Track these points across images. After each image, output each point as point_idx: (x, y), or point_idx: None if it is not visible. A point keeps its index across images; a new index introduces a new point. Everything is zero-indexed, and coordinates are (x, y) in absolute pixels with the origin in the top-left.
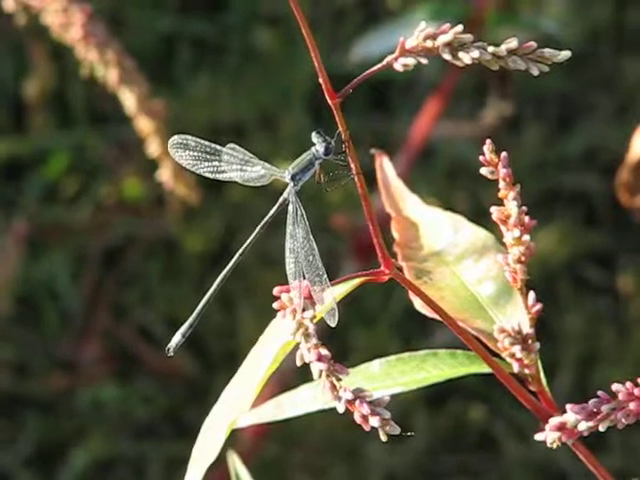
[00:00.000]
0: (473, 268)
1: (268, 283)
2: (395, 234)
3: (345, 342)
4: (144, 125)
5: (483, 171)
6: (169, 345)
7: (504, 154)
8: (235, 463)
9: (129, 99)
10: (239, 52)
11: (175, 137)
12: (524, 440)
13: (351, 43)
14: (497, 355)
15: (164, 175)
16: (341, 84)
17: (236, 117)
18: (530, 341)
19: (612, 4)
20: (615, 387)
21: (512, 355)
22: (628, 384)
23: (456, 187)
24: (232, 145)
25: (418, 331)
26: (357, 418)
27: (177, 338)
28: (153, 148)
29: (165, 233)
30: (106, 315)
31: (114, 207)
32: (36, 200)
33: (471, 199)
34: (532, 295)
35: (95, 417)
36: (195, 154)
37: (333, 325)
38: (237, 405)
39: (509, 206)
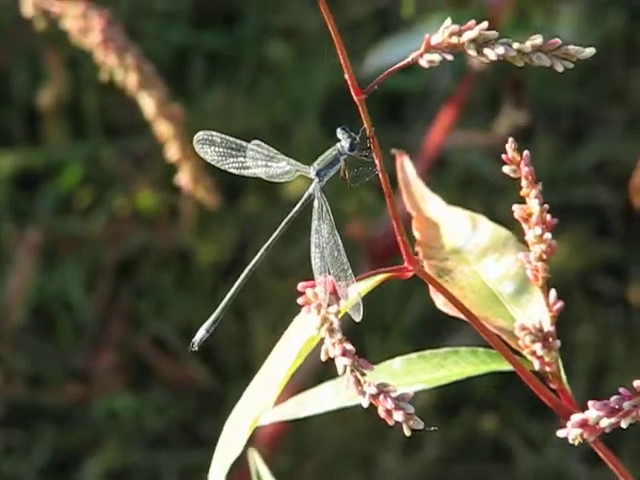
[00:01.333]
0: (494, 267)
1: (281, 294)
2: (416, 233)
3: (358, 350)
4: (163, 129)
5: (505, 169)
6: (193, 340)
7: (526, 152)
8: (256, 461)
9: (148, 104)
10: (253, 65)
11: (200, 133)
12: (536, 450)
13: (366, 54)
14: (518, 353)
15: (183, 179)
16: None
17: (250, 129)
18: (551, 339)
19: (625, 15)
20: (636, 384)
21: (533, 353)
22: None
23: (470, 198)
24: (257, 141)
25: (431, 340)
26: (381, 413)
27: (201, 333)
28: (172, 152)
29: (179, 244)
30: (120, 325)
31: (128, 218)
32: (50, 211)
33: (485, 210)
34: (553, 293)
35: (109, 427)
36: (220, 150)
37: (358, 320)
38: (260, 402)
39: (531, 204)
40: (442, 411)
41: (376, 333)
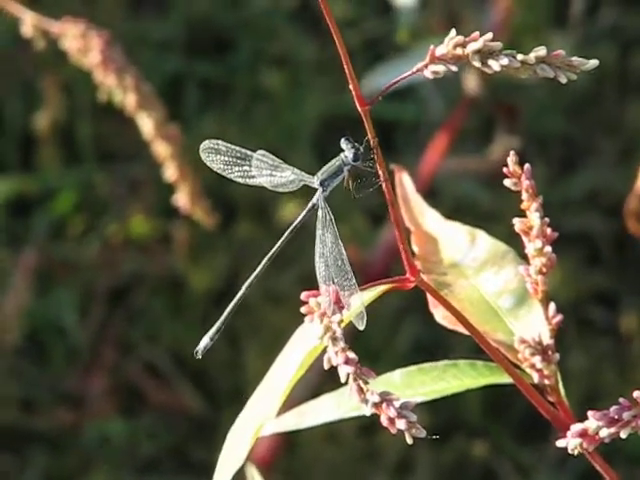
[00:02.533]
0: (493, 280)
1: (274, 320)
2: (415, 248)
3: None
4: (161, 150)
5: (507, 183)
6: (197, 348)
7: (527, 166)
8: (254, 477)
9: (147, 124)
10: (246, 93)
11: (206, 142)
12: (526, 476)
13: (360, 81)
14: (517, 367)
15: (181, 200)
16: (350, 124)
17: None
18: (550, 352)
19: (617, 47)
20: (636, 394)
21: (532, 366)
22: None
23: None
24: (262, 152)
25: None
26: (384, 421)
27: (205, 341)
28: (170, 172)
29: (171, 270)
30: (112, 351)
31: (121, 245)
32: (44, 237)
33: None
34: (552, 306)
35: (101, 452)
36: (226, 159)
37: (362, 328)
38: (263, 412)
39: (531, 217)
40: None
41: (366, 362)
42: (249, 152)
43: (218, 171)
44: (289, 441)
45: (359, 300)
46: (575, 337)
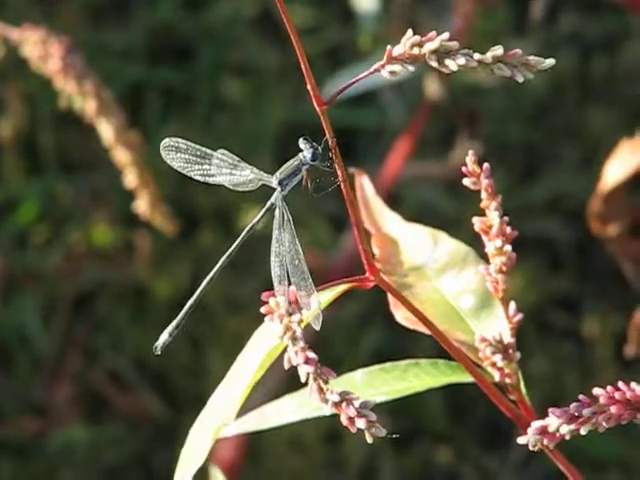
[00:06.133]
0: (454, 282)
1: (235, 327)
2: (376, 250)
3: None
4: (121, 156)
5: (466, 182)
6: (156, 344)
7: (486, 165)
8: (217, 478)
9: (107, 130)
10: (208, 101)
11: (166, 139)
12: None
13: (321, 87)
14: (478, 366)
15: (141, 206)
16: (309, 131)
17: None
18: (511, 350)
19: (577, 53)
20: (596, 391)
21: (493, 364)
22: (609, 388)
23: None
24: (222, 150)
25: None
26: (344, 420)
27: (164, 337)
28: (130, 179)
29: (134, 279)
30: (77, 359)
31: (84, 253)
32: (7, 246)
33: None
34: (513, 305)
35: (66, 460)
36: (186, 157)
37: (317, 329)
38: (223, 412)
39: (491, 216)
40: (396, 443)
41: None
42: (209, 151)
43: (178, 169)
44: (253, 448)
45: (316, 300)
46: (537, 342)
